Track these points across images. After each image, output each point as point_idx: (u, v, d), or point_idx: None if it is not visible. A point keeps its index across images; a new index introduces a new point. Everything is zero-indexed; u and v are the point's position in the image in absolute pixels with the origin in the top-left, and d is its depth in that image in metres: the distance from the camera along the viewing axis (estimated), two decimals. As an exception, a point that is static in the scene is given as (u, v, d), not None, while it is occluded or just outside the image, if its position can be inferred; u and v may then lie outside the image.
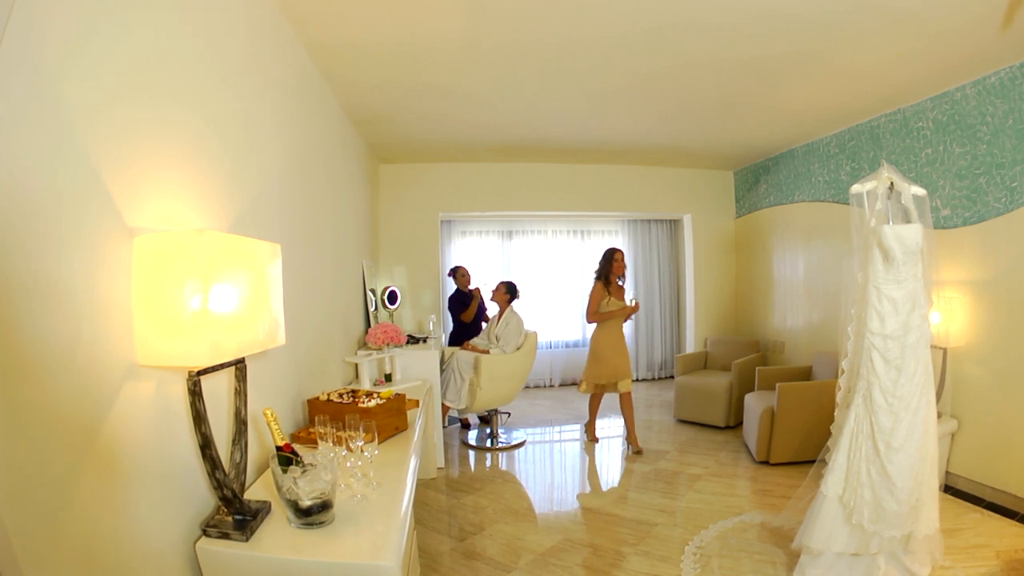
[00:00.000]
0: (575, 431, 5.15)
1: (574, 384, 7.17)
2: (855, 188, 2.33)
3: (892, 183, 2.31)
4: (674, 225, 7.31)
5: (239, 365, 1.42)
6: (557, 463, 4.38)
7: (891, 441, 2.22)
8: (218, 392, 1.55)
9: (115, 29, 1.16)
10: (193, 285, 1.11)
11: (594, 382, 4.53)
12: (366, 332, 3.68)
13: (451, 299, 5.44)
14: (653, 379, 7.40)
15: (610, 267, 4.48)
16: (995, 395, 3.23)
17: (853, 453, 2.27)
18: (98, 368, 1.07)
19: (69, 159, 1.01)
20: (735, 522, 3.03)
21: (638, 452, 4.37)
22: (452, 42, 2.84)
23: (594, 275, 4.57)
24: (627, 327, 7.28)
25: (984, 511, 3.08)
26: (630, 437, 4.47)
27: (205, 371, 1.24)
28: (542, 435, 5.03)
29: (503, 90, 3.61)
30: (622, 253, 4.53)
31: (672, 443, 4.60)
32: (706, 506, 3.29)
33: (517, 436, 4.85)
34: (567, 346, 7.28)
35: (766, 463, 3.98)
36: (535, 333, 4.74)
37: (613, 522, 3.13)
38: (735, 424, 4.92)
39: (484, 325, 5.21)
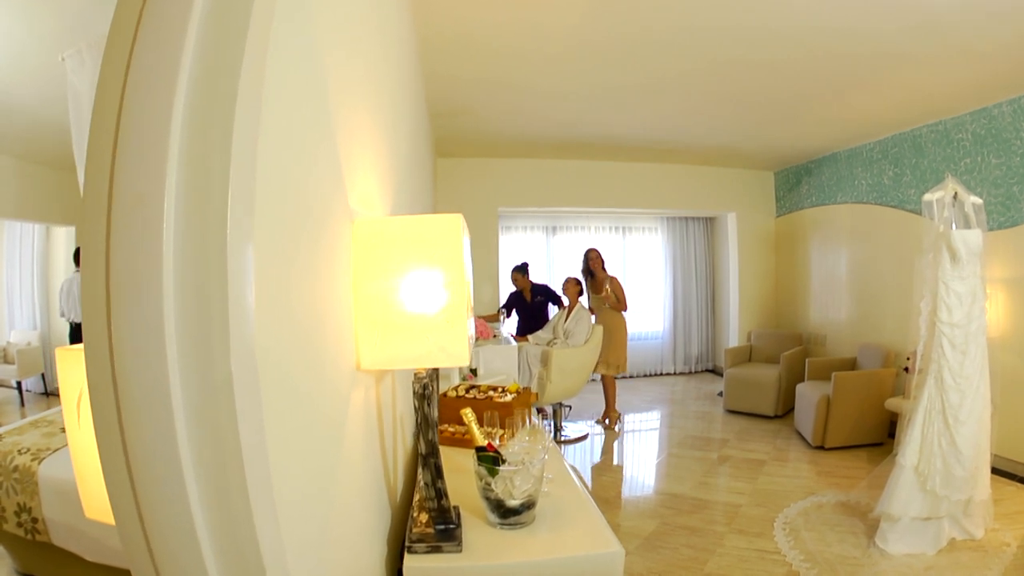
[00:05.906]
0: (631, 423, 5.43)
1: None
2: (927, 197, 2.68)
3: (956, 193, 2.65)
4: (710, 223, 7.60)
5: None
6: (621, 454, 4.66)
7: (958, 415, 2.59)
8: (383, 392, 1.42)
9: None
10: (429, 276, 0.93)
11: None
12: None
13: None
14: (691, 372, 7.67)
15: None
16: (1024, 381, 3.55)
17: (927, 427, 2.62)
18: (338, 375, 0.87)
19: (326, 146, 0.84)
20: (812, 501, 3.35)
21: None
22: (562, 36, 2.92)
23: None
24: (665, 320, 7.72)
25: (1019, 484, 3.45)
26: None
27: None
28: (599, 428, 5.25)
29: (596, 86, 3.73)
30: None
31: (729, 432, 4.93)
32: (779, 487, 3.61)
33: (577, 429, 5.10)
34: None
35: (821, 448, 4.29)
36: (600, 327, 4.95)
37: (700, 505, 3.41)
38: (783, 413, 5.23)
39: (502, 319, 5.43)
